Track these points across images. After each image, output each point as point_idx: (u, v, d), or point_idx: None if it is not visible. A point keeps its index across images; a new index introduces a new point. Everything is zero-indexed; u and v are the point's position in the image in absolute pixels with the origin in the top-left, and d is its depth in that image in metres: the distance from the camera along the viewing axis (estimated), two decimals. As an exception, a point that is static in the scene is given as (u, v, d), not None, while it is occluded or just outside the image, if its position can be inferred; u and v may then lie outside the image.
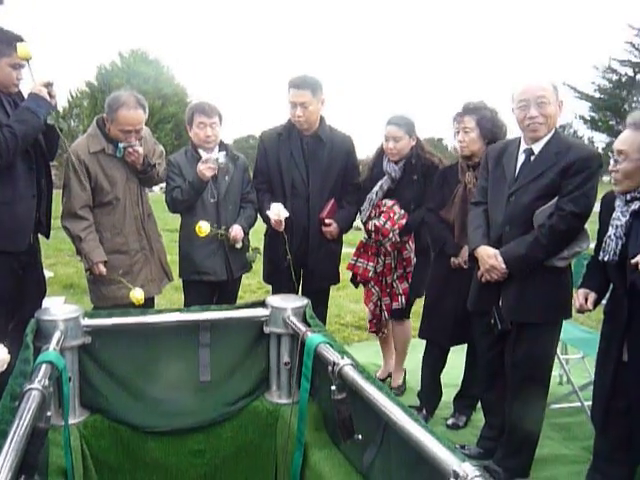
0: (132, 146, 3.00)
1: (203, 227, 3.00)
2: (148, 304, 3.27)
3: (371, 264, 3.44)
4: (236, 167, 3.31)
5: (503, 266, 2.51)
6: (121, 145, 3.01)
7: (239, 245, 3.24)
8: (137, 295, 2.63)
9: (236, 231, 3.19)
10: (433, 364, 3.26)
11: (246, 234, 3.28)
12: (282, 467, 2.26)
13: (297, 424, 2.04)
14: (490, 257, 2.54)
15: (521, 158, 2.60)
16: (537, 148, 2.56)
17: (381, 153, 3.44)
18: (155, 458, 2.25)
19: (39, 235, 2.94)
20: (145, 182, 3.23)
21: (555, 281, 2.54)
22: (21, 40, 2.62)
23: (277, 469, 2.34)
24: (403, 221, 3.29)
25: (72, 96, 35.79)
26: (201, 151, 3.26)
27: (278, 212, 3.17)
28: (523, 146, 2.61)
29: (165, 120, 31.63)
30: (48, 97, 2.66)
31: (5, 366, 1.52)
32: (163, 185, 3.49)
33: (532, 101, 2.50)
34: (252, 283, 6.25)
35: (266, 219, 3.33)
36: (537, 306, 2.50)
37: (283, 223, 3.20)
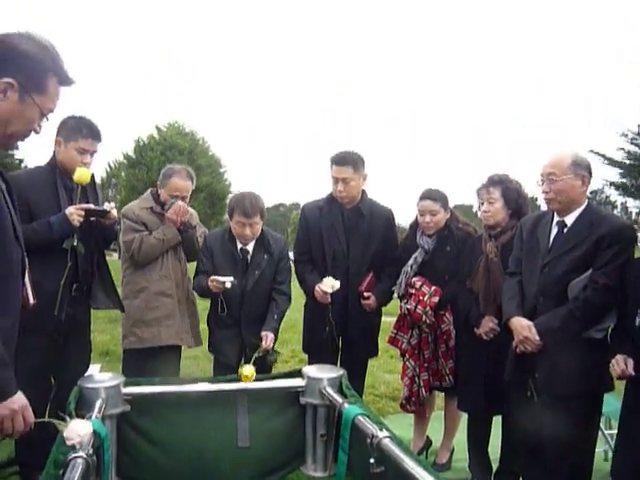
0: (176, 201, 3.33)
1: (246, 372, 2.47)
2: (175, 357, 3.41)
3: (406, 336, 3.43)
4: (269, 260, 3.24)
5: (537, 338, 2.50)
6: (170, 202, 3.34)
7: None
8: (246, 372, 2.43)
9: (269, 341, 3.03)
10: (476, 436, 3.18)
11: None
12: None
13: (334, 499, 2.00)
14: (524, 328, 2.53)
15: (554, 230, 2.63)
16: (570, 220, 2.59)
17: (414, 226, 3.49)
18: None
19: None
20: (186, 247, 3.42)
21: (592, 353, 2.49)
22: (91, 129, 2.92)
23: None
24: (435, 299, 3.27)
25: (110, 167, 37.31)
26: (238, 242, 3.25)
27: (332, 285, 3.19)
28: (556, 218, 2.64)
29: (199, 190, 32.55)
30: (76, 222, 2.77)
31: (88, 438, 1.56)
32: None
33: (545, 177, 2.59)
34: (285, 352, 6.22)
35: (308, 291, 3.37)
36: (573, 378, 2.45)
37: (329, 297, 3.22)
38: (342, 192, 3.33)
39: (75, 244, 2.82)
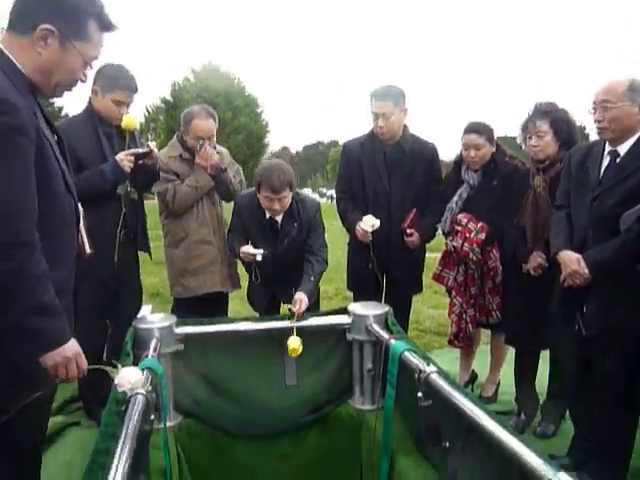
0: (203, 145, 3.25)
1: (292, 345, 2.33)
2: (222, 302, 3.44)
3: (452, 273, 3.41)
4: (299, 228, 3.05)
5: (586, 271, 2.43)
6: (197, 148, 3.27)
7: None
8: (293, 345, 2.30)
9: (303, 306, 2.57)
10: (523, 370, 3.20)
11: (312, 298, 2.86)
12: (367, 473, 2.28)
13: (383, 430, 2.06)
14: (572, 262, 2.47)
15: (606, 160, 2.50)
16: (623, 149, 2.46)
17: (459, 161, 3.40)
18: (244, 461, 2.34)
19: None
20: (220, 191, 3.40)
21: None
22: (128, 81, 2.91)
23: (362, 474, 2.37)
24: (482, 235, 3.20)
25: (148, 112, 37.38)
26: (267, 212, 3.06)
27: (372, 224, 3.15)
28: (608, 148, 2.52)
29: (237, 131, 32.43)
30: (127, 168, 2.81)
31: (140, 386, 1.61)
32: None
33: (597, 104, 2.44)
34: (329, 290, 6.32)
35: (350, 229, 3.35)
36: (624, 311, 2.40)
37: (370, 235, 3.19)
38: (383, 128, 3.25)
39: (128, 190, 2.87)
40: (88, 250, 1.95)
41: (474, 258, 3.21)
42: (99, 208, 2.71)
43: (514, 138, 3.24)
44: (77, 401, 3.17)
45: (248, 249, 2.98)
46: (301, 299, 2.57)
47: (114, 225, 2.85)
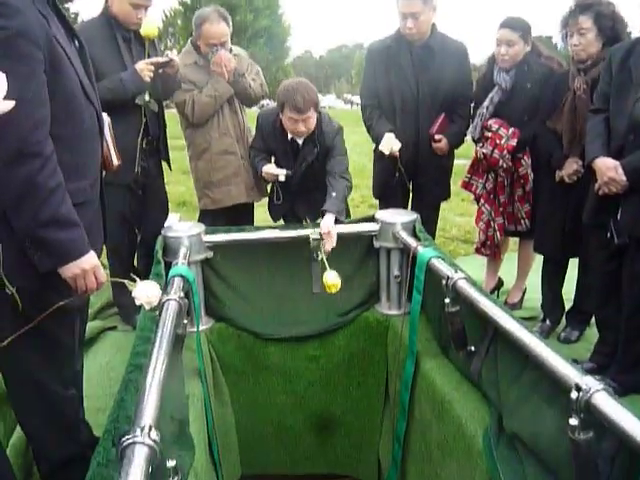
0: (216, 51, 3.09)
1: (329, 281, 2.23)
2: (248, 212, 3.45)
3: (481, 181, 3.33)
4: (319, 153, 2.90)
5: (623, 178, 2.33)
6: (210, 55, 3.12)
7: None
8: (329, 281, 2.20)
9: (325, 229, 2.35)
10: (550, 278, 3.20)
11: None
12: (393, 374, 2.36)
13: (409, 334, 2.11)
14: (609, 169, 2.37)
15: None
16: None
17: (492, 61, 3.22)
18: (275, 362, 2.43)
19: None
20: (241, 96, 3.30)
21: None
22: None
23: (388, 375, 2.46)
24: (513, 141, 3.08)
25: (166, 16, 36.17)
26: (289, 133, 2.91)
27: (390, 146, 3.04)
28: None
29: (258, 34, 31.35)
30: (147, 77, 2.72)
31: (156, 302, 1.62)
32: (265, 103, 3.50)
33: None
34: (355, 197, 6.28)
35: (376, 139, 3.23)
36: None
37: (391, 151, 3.07)
38: (412, 29, 3.05)
39: (147, 100, 2.81)
40: (115, 162, 1.93)
41: (504, 166, 3.12)
42: (119, 117, 2.66)
43: (550, 38, 3.04)
44: (113, 306, 3.29)
45: (270, 169, 2.91)
46: (327, 224, 2.34)
47: (135, 134, 2.81)
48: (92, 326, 2.93)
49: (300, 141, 2.89)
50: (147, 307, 1.59)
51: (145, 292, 1.59)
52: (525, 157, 3.17)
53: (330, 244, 2.33)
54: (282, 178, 2.90)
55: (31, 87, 1.44)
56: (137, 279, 1.64)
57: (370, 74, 3.30)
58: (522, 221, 3.25)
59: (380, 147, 3.07)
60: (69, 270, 1.57)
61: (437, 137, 3.18)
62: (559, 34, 2.89)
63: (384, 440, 2.52)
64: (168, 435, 1.39)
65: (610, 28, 2.70)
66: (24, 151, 1.42)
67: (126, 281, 1.67)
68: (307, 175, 2.95)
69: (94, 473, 1.07)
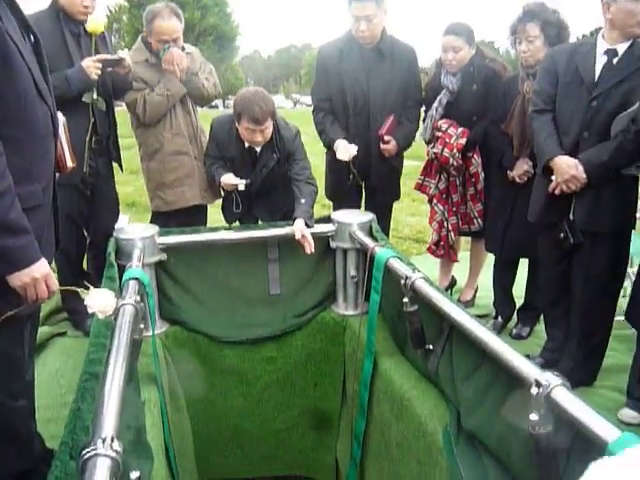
0: (168, 49, 3.01)
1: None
2: (201, 213, 3.40)
3: (433, 181, 3.38)
4: (279, 159, 2.89)
5: (584, 175, 2.40)
6: (161, 52, 3.04)
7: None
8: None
9: (301, 234, 2.40)
10: (501, 276, 3.28)
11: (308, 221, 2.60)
12: (351, 373, 2.37)
13: (367, 334, 2.12)
14: (570, 167, 2.41)
15: (601, 60, 2.43)
16: (622, 49, 2.39)
17: (440, 65, 3.28)
18: (231, 365, 2.40)
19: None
20: (194, 95, 3.24)
21: (628, 189, 2.46)
22: None
23: (345, 375, 2.46)
24: (462, 140, 3.14)
25: (111, 11, 35.27)
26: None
27: (348, 152, 3.01)
28: (604, 46, 2.43)
29: (206, 33, 30.96)
30: (94, 75, 2.63)
31: (111, 311, 1.56)
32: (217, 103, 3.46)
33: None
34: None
35: (328, 144, 3.21)
36: (612, 215, 2.43)
37: (350, 157, 3.05)
38: (365, 32, 3.04)
39: (95, 98, 2.72)
40: (70, 164, 1.85)
41: (454, 164, 3.19)
42: (66, 115, 2.59)
43: (492, 42, 3.13)
44: (62, 311, 3.17)
45: (229, 179, 2.86)
46: (300, 229, 2.38)
47: (83, 133, 2.71)
48: (41, 332, 2.80)
49: (258, 149, 2.86)
50: (101, 316, 1.53)
51: (99, 301, 1.53)
52: (475, 156, 3.25)
53: (309, 247, 2.37)
54: (242, 187, 2.85)
55: None
56: (90, 287, 1.58)
57: (322, 76, 3.28)
58: (475, 220, 3.33)
59: (338, 156, 3.04)
60: (18, 279, 1.49)
61: (386, 138, 3.19)
62: (507, 40, 2.98)
63: (342, 440, 2.53)
64: (126, 443, 1.35)
65: (556, 35, 2.80)
66: None
67: (79, 290, 1.61)
68: (267, 181, 2.92)
69: None
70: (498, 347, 1.38)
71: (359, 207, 3.37)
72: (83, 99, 2.68)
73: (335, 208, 3.32)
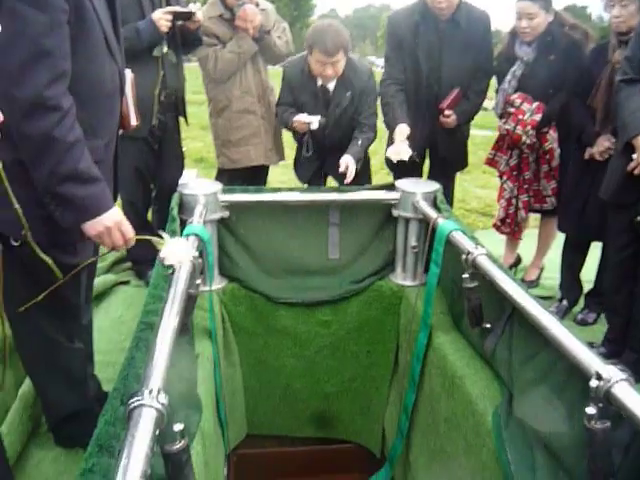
0: (242, 5, 3.00)
1: None
2: (264, 173, 3.41)
3: (505, 157, 3.23)
4: (352, 97, 2.92)
5: None
6: (235, 8, 3.03)
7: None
8: None
9: (346, 168, 2.78)
10: (571, 258, 3.13)
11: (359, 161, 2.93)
12: (404, 345, 2.34)
13: (423, 306, 2.07)
14: None
15: None
16: None
17: (514, 34, 3.08)
18: (285, 325, 2.42)
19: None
20: (266, 54, 3.20)
21: None
22: None
23: (399, 346, 2.44)
24: (537, 116, 2.96)
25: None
26: (318, 79, 2.90)
27: (399, 156, 2.85)
28: None
29: (284, -11, 30.73)
30: (164, 28, 2.63)
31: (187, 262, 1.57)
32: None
33: None
34: (374, 163, 6.19)
35: (388, 124, 3.09)
36: None
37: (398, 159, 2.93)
38: (442, 3, 2.89)
39: (165, 51, 2.74)
40: (133, 122, 1.87)
41: (527, 142, 3.02)
42: (137, 69, 2.61)
43: (585, 8, 2.90)
44: (126, 261, 3.29)
45: (302, 117, 2.86)
46: (347, 161, 2.59)
47: (152, 86, 2.74)
48: (105, 280, 2.94)
49: (331, 86, 2.82)
50: (177, 267, 1.53)
51: (174, 251, 1.54)
52: (551, 131, 3.06)
53: (349, 176, 2.69)
54: (315, 126, 2.85)
55: (52, 38, 1.37)
56: (166, 236, 1.59)
57: (396, 50, 3.11)
58: (547, 199, 3.17)
59: (388, 153, 2.90)
60: (92, 228, 1.53)
61: (447, 112, 3.07)
62: (601, 3, 2.76)
63: (390, 410, 2.52)
64: (176, 395, 1.38)
65: None
66: (42, 104, 1.37)
67: (155, 239, 1.63)
68: (340, 123, 2.91)
69: (101, 431, 1.06)
70: (560, 333, 1.31)
71: (421, 175, 3.29)
72: (154, 53, 2.70)
73: (396, 177, 3.25)
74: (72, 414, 1.87)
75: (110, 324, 2.59)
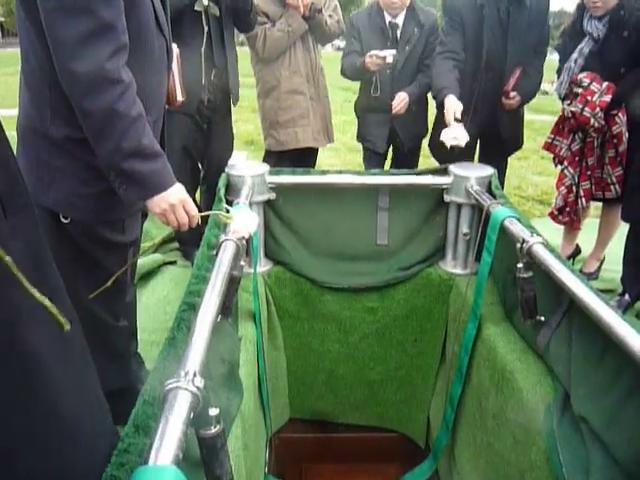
0: None
1: None
2: (312, 155, 3.37)
3: (566, 142, 3.07)
4: (420, 34, 3.02)
5: None
6: None
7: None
8: None
9: (399, 100, 3.06)
10: (635, 250, 2.95)
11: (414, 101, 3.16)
12: (452, 334, 2.27)
13: (474, 296, 1.99)
14: None
15: None
16: None
17: (582, 8, 2.89)
18: (331, 310, 2.38)
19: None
20: (316, 33, 3.13)
21: None
22: None
23: (447, 335, 2.36)
24: (607, 97, 2.76)
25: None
26: (387, 16, 2.99)
27: (453, 140, 2.59)
28: None
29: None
30: None
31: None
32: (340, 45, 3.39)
33: None
34: (425, 147, 6.06)
35: (439, 101, 2.93)
36: None
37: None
38: None
39: (206, 4, 2.60)
40: (180, 98, 1.85)
41: (596, 125, 2.84)
42: (182, 42, 2.57)
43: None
44: (174, 241, 3.32)
45: (377, 52, 2.90)
46: (400, 99, 2.92)
47: (198, 62, 2.66)
48: (153, 259, 2.96)
49: (400, 21, 2.84)
50: (247, 236, 1.60)
51: (242, 222, 1.56)
52: (620, 114, 2.86)
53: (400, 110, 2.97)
54: (390, 59, 2.90)
55: (112, 10, 1.34)
56: (231, 210, 1.59)
57: (457, 27, 2.95)
58: (611, 187, 2.98)
59: (443, 137, 2.64)
60: (156, 205, 1.51)
61: (512, 94, 2.97)
62: None
63: (436, 401, 2.46)
64: (217, 377, 1.36)
65: None
66: (105, 78, 1.34)
67: (222, 214, 1.64)
68: (408, 65, 3.01)
69: (139, 410, 1.05)
70: (613, 324, 1.22)
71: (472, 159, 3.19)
72: (195, 7, 2.58)
73: (438, 162, 3.16)
74: (114, 391, 1.88)
75: (156, 303, 2.61)
